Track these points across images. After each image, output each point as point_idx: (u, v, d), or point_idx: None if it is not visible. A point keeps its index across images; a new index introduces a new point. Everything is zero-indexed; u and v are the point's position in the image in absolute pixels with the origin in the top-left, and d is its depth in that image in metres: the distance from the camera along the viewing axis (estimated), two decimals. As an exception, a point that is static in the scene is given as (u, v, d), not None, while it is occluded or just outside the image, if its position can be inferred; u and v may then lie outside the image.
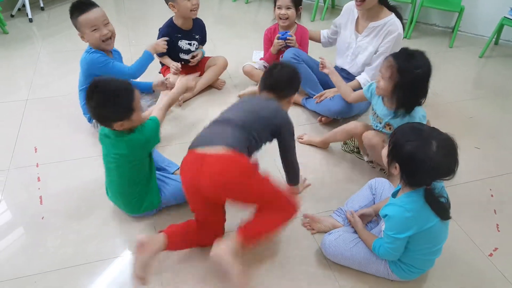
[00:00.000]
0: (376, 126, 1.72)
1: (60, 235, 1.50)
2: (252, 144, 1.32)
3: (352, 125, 1.79)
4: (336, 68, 2.28)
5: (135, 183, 1.42)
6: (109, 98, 1.26)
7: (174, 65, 2.20)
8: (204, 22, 2.45)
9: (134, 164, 1.38)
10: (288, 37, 2.20)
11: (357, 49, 2.08)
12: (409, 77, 1.45)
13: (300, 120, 2.26)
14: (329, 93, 2.15)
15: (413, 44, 1.63)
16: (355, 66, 2.12)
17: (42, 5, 3.57)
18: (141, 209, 1.49)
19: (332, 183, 1.82)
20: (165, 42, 2.06)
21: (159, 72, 2.51)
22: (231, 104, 1.47)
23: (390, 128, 1.65)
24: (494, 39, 3.24)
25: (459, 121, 2.31)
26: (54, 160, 1.88)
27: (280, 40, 2.22)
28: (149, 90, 2.13)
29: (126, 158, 1.36)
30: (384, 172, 1.82)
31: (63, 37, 3.14)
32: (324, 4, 3.73)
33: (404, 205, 1.16)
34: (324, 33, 2.36)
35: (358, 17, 2.05)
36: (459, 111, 2.38)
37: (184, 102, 2.34)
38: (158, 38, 2.28)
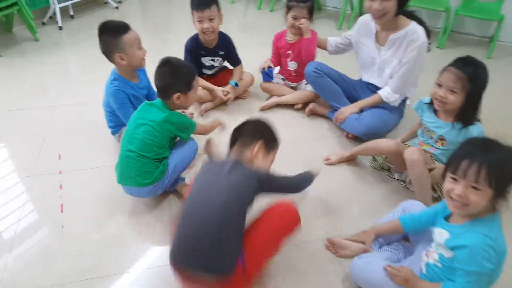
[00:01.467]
0: (426, 141, 1.63)
1: (79, 245, 1.49)
2: (240, 226, 1.18)
3: (385, 144, 1.69)
4: (361, 81, 2.17)
5: (153, 152, 1.55)
6: (176, 70, 1.55)
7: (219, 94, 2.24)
8: (228, 31, 2.41)
9: (158, 136, 1.54)
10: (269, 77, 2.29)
11: (382, 63, 1.98)
12: (481, 84, 1.41)
13: (326, 134, 2.17)
14: (343, 113, 2.02)
15: (448, 55, 1.51)
16: (383, 80, 2.01)
17: (72, 13, 3.68)
18: (152, 178, 1.55)
19: (359, 202, 1.72)
20: None
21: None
22: (203, 179, 1.25)
23: (442, 144, 1.56)
24: (536, 49, 3.03)
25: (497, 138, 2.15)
26: (77, 168, 1.88)
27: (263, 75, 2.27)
28: None
29: (156, 126, 1.53)
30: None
31: (91, 45, 3.20)
32: (352, 11, 3.64)
33: (488, 233, 1.02)
34: (332, 41, 2.26)
35: (377, 30, 1.95)
36: (500, 126, 2.21)
37: (206, 112, 2.31)
38: (184, 54, 2.25)
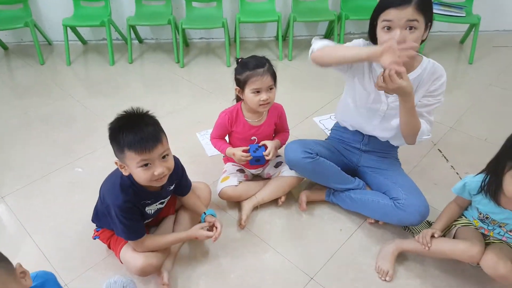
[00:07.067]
0: (494, 229, 1.28)
1: None
2: None
3: (464, 247, 1.24)
4: (341, 129, 1.67)
5: None
6: None
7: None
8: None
9: None
10: (262, 156, 1.55)
11: (390, 111, 1.45)
12: None
13: (344, 227, 1.60)
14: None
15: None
16: (387, 131, 1.50)
17: None
18: None
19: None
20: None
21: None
22: None
23: None
24: None
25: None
26: None
27: (248, 155, 1.55)
28: None
29: None
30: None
31: None
32: (174, 42, 2.85)
33: None
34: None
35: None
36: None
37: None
38: (120, 218, 1.22)
